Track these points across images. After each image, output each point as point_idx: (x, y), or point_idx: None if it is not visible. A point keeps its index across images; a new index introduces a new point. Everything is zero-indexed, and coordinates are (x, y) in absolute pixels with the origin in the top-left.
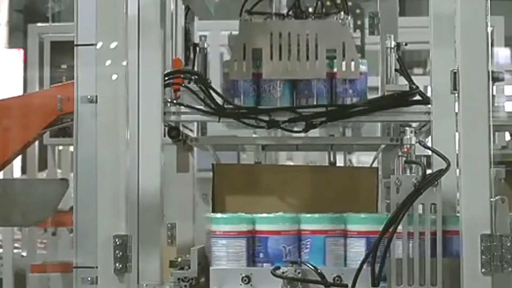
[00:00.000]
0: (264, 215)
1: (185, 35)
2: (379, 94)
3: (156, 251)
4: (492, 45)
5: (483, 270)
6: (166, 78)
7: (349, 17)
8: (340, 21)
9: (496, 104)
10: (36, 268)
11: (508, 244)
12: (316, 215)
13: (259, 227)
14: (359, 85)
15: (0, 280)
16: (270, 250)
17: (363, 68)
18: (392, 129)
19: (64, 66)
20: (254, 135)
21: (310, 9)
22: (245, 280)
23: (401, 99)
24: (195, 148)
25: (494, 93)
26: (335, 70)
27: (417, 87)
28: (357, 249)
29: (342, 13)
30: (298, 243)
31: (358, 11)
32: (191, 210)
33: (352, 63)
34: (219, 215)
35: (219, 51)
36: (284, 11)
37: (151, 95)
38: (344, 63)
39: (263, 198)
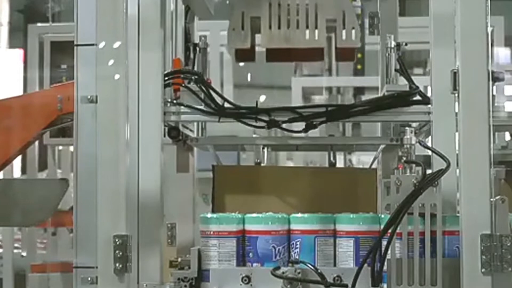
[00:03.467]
0: (254, 215)
1: (185, 35)
2: (379, 94)
3: (156, 251)
4: (492, 45)
5: (483, 270)
6: (166, 78)
7: None
8: None
9: (496, 104)
10: (36, 268)
11: (508, 244)
12: (306, 215)
13: (248, 227)
14: None
15: (0, 280)
16: (259, 250)
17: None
18: (392, 129)
19: (64, 66)
20: (254, 135)
21: None
22: (245, 280)
23: (401, 99)
24: (195, 148)
25: (494, 93)
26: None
27: (417, 87)
28: (346, 249)
29: None
30: (288, 243)
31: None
32: (191, 210)
33: (353, 31)
34: (209, 215)
35: (219, 51)
36: None
37: (151, 95)
38: (344, 31)
39: (263, 199)
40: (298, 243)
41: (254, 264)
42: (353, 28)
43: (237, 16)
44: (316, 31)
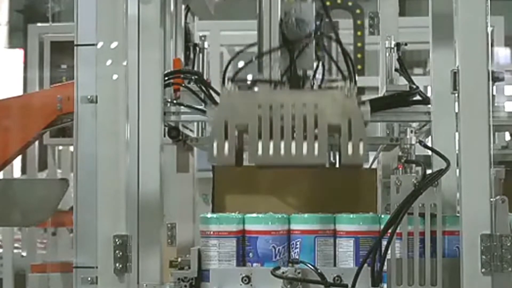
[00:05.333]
0: (254, 215)
1: (185, 35)
2: (379, 94)
3: (156, 251)
4: (492, 45)
5: (483, 270)
6: (166, 78)
7: (356, 86)
8: (346, 92)
9: (496, 104)
10: (36, 268)
11: (508, 244)
12: (306, 215)
13: (248, 227)
14: None
15: (0, 280)
16: (259, 250)
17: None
18: (392, 129)
19: (64, 66)
20: None
21: (309, 72)
22: (245, 280)
23: (401, 99)
24: (195, 148)
25: (494, 93)
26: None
27: (417, 87)
28: (346, 249)
29: (347, 81)
30: (288, 243)
31: (358, 11)
32: (191, 210)
33: (361, 144)
34: (209, 215)
35: (219, 51)
36: (277, 77)
37: (151, 95)
38: (350, 144)
39: (263, 200)
40: (298, 243)
41: (254, 264)
42: (360, 140)
43: (219, 125)
44: (316, 143)
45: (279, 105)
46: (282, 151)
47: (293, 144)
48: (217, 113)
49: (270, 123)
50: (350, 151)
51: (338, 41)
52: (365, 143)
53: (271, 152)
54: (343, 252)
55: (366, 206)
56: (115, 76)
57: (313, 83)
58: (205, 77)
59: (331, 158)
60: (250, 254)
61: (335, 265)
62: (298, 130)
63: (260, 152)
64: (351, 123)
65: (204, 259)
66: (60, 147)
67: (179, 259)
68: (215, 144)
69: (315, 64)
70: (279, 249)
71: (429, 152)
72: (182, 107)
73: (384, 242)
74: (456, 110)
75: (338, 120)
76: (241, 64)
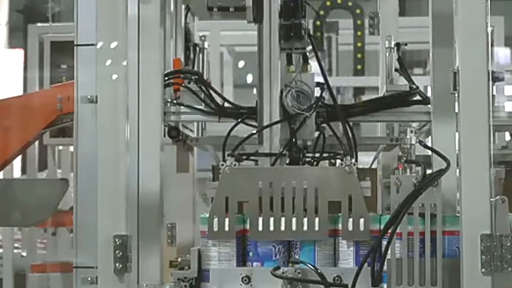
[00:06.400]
0: None
1: (185, 35)
2: (379, 94)
3: (156, 251)
4: (492, 45)
5: (483, 270)
6: (166, 78)
7: (357, 163)
8: (346, 168)
9: (496, 104)
10: (36, 268)
11: (508, 244)
12: None
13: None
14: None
15: (0, 280)
16: (259, 250)
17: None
18: (392, 129)
19: (64, 66)
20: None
21: (309, 143)
22: (245, 280)
23: (401, 99)
24: (195, 148)
25: (494, 93)
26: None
27: (417, 87)
28: (346, 248)
29: (348, 157)
30: (288, 242)
31: (358, 11)
32: (191, 210)
33: (361, 220)
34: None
35: (219, 51)
36: (277, 150)
37: (151, 95)
38: (350, 220)
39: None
40: (298, 243)
41: (254, 264)
42: (361, 217)
43: (220, 200)
44: (317, 219)
45: (280, 181)
46: (283, 227)
47: (294, 220)
48: (218, 189)
49: (271, 199)
50: (350, 227)
51: (343, 122)
52: (366, 219)
53: (271, 227)
54: (343, 251)
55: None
56: (115, 76)
57: (314, 157)
58: (205, 77)
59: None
60: (250, 254)
61: (335, 265)
62: (298, 206)
63: (260, 227)
64: (352, 200)
65: (204, 259)
66: (60, 147)
67: (179, 259)
68: (215, 220)
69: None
70: (279, 248)
71: (429, 152)
72: (182, 107)
73: (384, 242)
74: (456, 110)
75: (339, 197)
76: (241, 64)
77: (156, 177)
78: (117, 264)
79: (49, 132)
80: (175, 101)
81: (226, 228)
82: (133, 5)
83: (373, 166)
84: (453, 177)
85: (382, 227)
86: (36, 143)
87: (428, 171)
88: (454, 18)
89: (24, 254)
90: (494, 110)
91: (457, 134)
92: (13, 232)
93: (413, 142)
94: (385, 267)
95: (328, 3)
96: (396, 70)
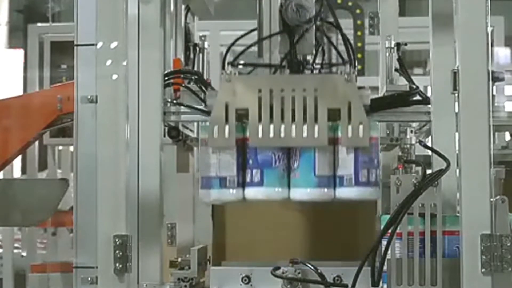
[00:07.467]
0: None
1: (185, 35)
2: (379, 94)
3: (156, 251)
4: (492, 45)
5: (483, 270)
6: (166, 78)
7: (355, 71)
8: (345, 76)
9: (496, 104)
10: (36, 268)
11: (508, 244)
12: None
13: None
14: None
15: (0, 280)
16: (259, 157)
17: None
18: (392, 129)
19: (64, 66)
20: None
21: (309, 57)
22: (245, 280)
23: (401, 99)
24: (195, 148)
25: (494, 93)
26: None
27: (417, 87)
28: (345, 155)
29: (348, 65)
30: (288, 150)
31: (358, 11)
32: (191, 210)
33: (360, 127)
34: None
35: (219, 51)
36: (277, 61)
37: (151, 95)
38: (350, 127)
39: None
40: (297, 150)
41: (254, 171)
42: (360, 123)
43: (220, 107)
44: (316, 125)
45: (279, 89)
46: (282, 134)
47: (293, 127)
48: (217, 97)
49: (270, 107)
50: (350, 134)
51: (338, 27)
52: (365, 125)
53: (271, 134)
54: (343, 158)
55: (366, 206)
56: (115, 76)
57: (313, 68)
58: (205, 77)
59: None
60: (250, 161)
61: (334, 173)
62: (298, 113)
63: (260, 134)
64: (351, 107)
65: (204, 168)
66: (60, 147)
67: (179, 259)
68: (215, 128)
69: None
70: (278, 156)
71: (429, 152)
72: (182, 107)
73: (384, 242)
74: (456, 110)
75: (338, 104)
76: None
77: (156, 177)
78: (117, 264)
79: (49, 132)
80: (175, 101)
81: (226, 135)
82: (133, 5)
83: None
84: (453, 177)
85: (382, 227)
86: (36, 143)
87: (428, 171)
88: (454, 18)
89: (24, 254)
90: (494, 110)
91: (457, 134)
92: (13, 232)
93: (413, 142)
94: (385, 267)
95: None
96: (396, 70)
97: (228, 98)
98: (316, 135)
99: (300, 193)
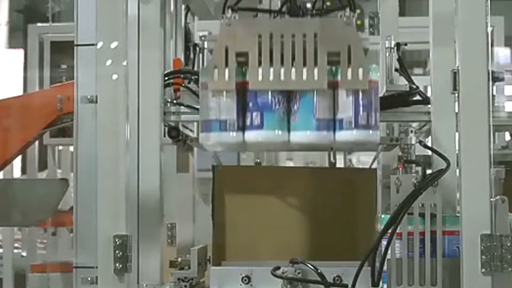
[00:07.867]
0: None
1: (185, 35)
2: (379, 94)
3: (156, 251)
4: (492, 45)
5: (483, 270)
6: (166, 78)
7: (355, 15)
8: (345, 19)
9: (496, 104)
10: (36, 268)
11: (508, 244)
12: None
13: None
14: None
15: (0, 280)
16: (259, 100)
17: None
18: (392, 129)
19: (64, 66)
20: None
21: (309, 5)
22: (245, 280)
23: (401, 99)
24: (195, 148)
25: (494, 93)
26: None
27: (417, 87)
28: (345, 98)
29: (347, 9)
30: (288, 93)
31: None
32: (191, 210)
33: (360, 70)
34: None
35: None
36: (277, 7)
37: (151, 95)
38: (349, 70)
39: (263, 199)
40: (297, 93)
41: (254, 113)
42: (359, 66)
43: (220, 51)
44: (316, 69)
45: (279, 34)
46: (282, 77)
47: (293, 70)
48: (217, 40)
49: (270, 51)
50: (349, 76)
51: None
52: (365, 68)
53: (271, 78)
54: (342, 101)
55: (366, 206)
56: (115, 76)
57: (313, 14)
58: None
59: (331, 158)
60: (250, 104)
61: (334, 116)
62: (298, 56)
63: (260, 78)
64: (351, 50)
65: (204, 111)
66: (60, 147)
67: (179, 259)
68: (216, 71)
69: None
70: (279, 99)
71: (429, 152)
72: (182, 107)
73: (384, 242)
74: (456, 110)
75: (338, 47)
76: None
77: (156, 177)
78: (117, 264)
79: (49, 132)
80: (175, 101)
81: (226, 78)
82: (133, 5)
83: (373, 166)
84: (453, 177)
85: (382, 227)
86: (36, 143)
87: (428, 171)
88: (454, 18)
89: (24, 254)
90: (494, 110)
91: (457, 134)
92: (13, 232)
93: (413, 142)
94: (385, 267)
95: (328, 3)
96: (396, 70)
97: (228, 42)
98: (315, 78)
99: (299, 136)
